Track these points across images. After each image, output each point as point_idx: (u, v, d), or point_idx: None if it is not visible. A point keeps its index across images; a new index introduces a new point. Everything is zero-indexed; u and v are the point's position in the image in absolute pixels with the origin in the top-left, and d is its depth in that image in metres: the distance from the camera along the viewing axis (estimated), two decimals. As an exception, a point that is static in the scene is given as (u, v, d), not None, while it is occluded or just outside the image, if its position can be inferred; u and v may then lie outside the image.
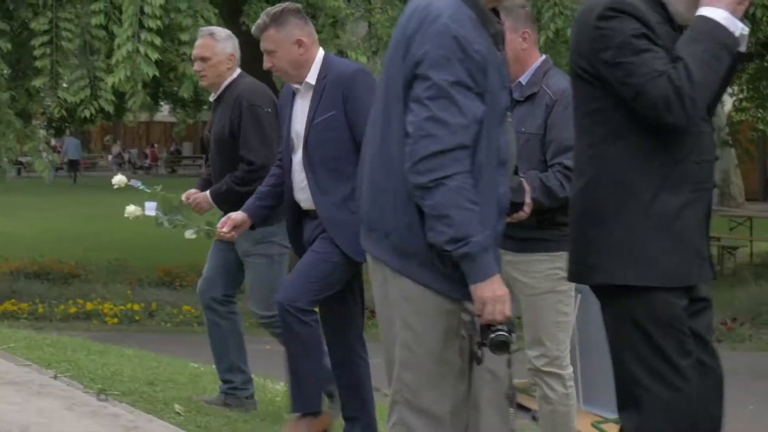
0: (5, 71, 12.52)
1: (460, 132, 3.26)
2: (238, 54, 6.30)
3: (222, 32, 6.38)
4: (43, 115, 20.35)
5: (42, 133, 16.54)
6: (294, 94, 5.43)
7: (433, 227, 3.26)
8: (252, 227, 5.66)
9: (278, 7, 5.45)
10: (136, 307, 14.18)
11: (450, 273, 3.33)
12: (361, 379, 5.47)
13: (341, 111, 5.26)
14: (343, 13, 11.35)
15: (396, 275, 3.44)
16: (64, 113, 13.34)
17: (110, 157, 50.59)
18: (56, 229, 23.68)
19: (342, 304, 5.43)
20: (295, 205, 5.42)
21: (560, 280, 4.95)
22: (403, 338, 3.45)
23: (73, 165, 45.21)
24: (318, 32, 15.65)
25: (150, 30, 10.16)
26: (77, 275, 16.47)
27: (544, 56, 5.26)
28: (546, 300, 5.13)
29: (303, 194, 5.34)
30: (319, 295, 5.26)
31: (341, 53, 12.45)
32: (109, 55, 11.63)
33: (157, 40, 10.24)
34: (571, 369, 5.24)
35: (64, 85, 12.20)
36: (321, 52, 5.43)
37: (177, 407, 6.16)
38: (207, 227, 5.45)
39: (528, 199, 4.52)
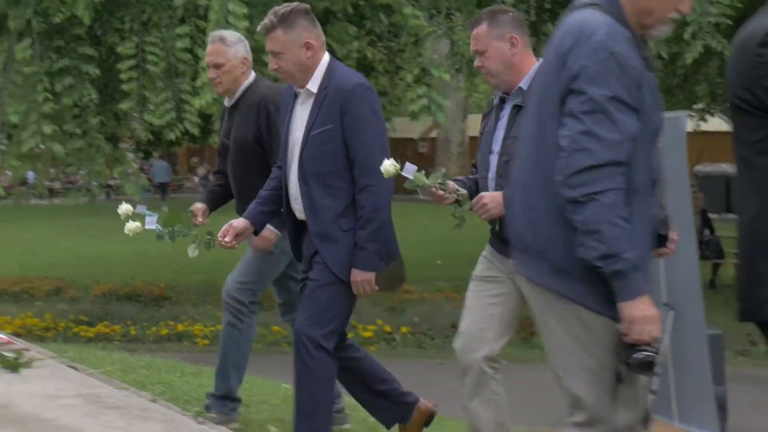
0: (94, 96, 12.69)
1: (614, 148, 3.18)
2: (250, 57, 6.14)
3: (232, 36, 6.21)
4: (131, 139, 20.62)
5: (130, 156, 16.72)
6: (296, 96, 5.26)
7: (584, 243, 3.19)
8: (255, 233, 5.51)
9: (286, 6, 5.20)
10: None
11: (608, 291, 3.25)
12: None
13: (338, 125, 5.09)
14: (426, 31, 11.32)
15: (561, 299, 3.36)
16: (151, 136, 13.47)
17: (196, 178, 51.09)
18: (146, 251, 23.89)
19: None
20: (292, 213, 5.29)
21: None
22: (582, 361, 3.38)
23: (162, 188, 45.80)
24: (401, 51, 15.80)
25: (235, 52, 10.23)
26: (168, 297, 16.63)
27: (541, 59, 5.03)
28: None
29: (297, 204, 5.21)
30: (331, 325, 5.12)
31: (424, 71, 12.46)
32: (194, 78, 11.74)
33: (242, 62, 10.30)
34: None
35: (151, 108, 12.33)
36: (327, 57, 5.20)
37: (272, 429, 6.18)
38: (207, 237, 5.28)
39: (674, 235, 3.93)
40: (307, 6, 5.27)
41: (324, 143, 5.08)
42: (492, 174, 4.94)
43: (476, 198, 4.84)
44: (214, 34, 6.27)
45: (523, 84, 4.85)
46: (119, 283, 17.24)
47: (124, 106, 12.41)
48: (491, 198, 4.78)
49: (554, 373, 3.49)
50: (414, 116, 12.37)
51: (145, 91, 12.09)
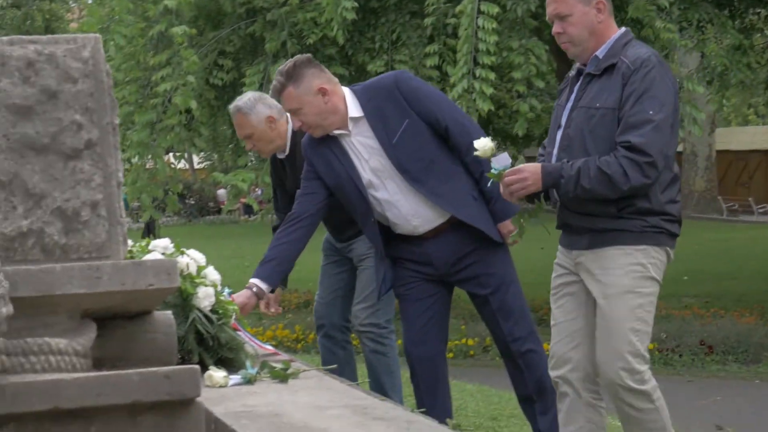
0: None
1: None
2: (276, 108, 5.94)
3: (247, 101, 6.05)
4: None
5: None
6: (331, 140, 5.13)
7: None
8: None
9: (289, 62, 5.15)
10: (470, 341, 14.30)
11: None
12: None
13: (412, 115, 4.99)
14: (678, 45, 11.13)
15: None
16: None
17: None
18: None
19: None
20: (408, 239, 5.14)
21: (642, 279, 4.35)
22: None
23: None
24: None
25: (484, 66, 10.29)
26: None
27: (624, 28, 4.60)
28: (623, 302, 4.36)
29: (418, 219, 5.06)
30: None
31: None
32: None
33: (492, 76, 10.35)
34: (654, 381, 4.45)
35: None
36: (345, 90, 5.11)
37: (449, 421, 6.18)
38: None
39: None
40: (309, 55, 5.26)
41: (411, 140, 5.00)
42: (556, 150, 4.55)
43: (514, 170, 4.37)
44: (231, 107, 6.18)
45: (600, 53, 4.47)
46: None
47: (373, 122, 12.67)
48: (531, 171, 4.38)
49: None
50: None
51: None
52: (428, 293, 5.21)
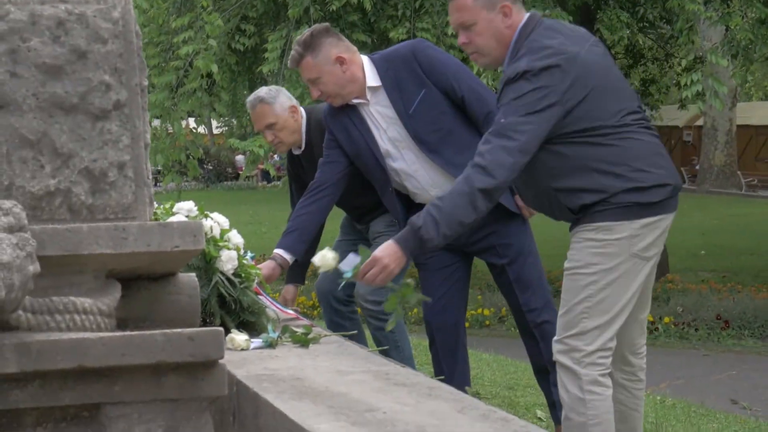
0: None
1: None
2: (293, 100, 5.97)
3: (268, 92, 5.97)
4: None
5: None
6: (351, 109, 5.11)
7: None
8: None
9: (306, 32, 5.12)
10: (486, 312, 14.33)
11: None
12: None
13: (429, 86, 4.94)
14: (703, 17, 11.06)
15: None
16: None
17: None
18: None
19: None
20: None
21: (597, 255, 4.04)
22: None
23: None
24: (672, 37, 15.39)
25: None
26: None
27: (525, 20, 4.15)
28: (574, 278, 4.10)
29: (436, 189, 4.93)
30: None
31: (697, 58, 12.17)
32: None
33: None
34: (598, 372, 4.08)
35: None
36: (364, 58, 5.07)
37: (539, 413, 6.20)
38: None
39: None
40: (326, 24, 5.19)
41: (429, 109, 4.97)
42: None
43: (367, 263, 4.03)
44: (250, 100, 6.06)
45: (507, 58, 4.17)
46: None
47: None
48: (388, 254, 4.04)
49: None
50: (686, 103, 12.11)
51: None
52: (448, 262, 5.21)
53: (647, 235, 4.05)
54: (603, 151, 4.03)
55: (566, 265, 4.14)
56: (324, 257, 4.13)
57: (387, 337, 5.92)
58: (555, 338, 4.16)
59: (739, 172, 37.60)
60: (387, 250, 4.01)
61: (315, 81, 5.07)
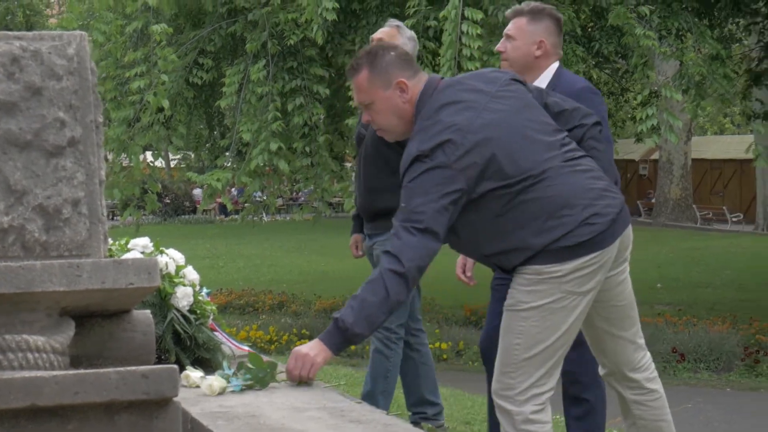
0: (322, 116, 13.00)
1: None
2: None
3: (408, 31, 6.13)
4: (355, 158, 21.08)
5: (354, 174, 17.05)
6: None
7: None
8: None
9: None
10: (444, 345, 14.33)
11: None
12: None
13: None
14: (658, 52, 11.18)
15: None
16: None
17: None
18: (367, 267, 24.26)
19: None
20: None
21: (526, 293, 4.01)
22: None
23: None
24: (627, 72, 15.48)
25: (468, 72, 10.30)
26: (386, 313, 16.82)
27: (424, 85, 4.09)
28: (507, 316, 4.10)
29: None
30: None
31: (653, 93, 12.28)
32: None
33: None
34: (530, 410, 4.02)
35: (373, 127, 12.51)
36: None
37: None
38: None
39: None
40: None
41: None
42: None
43: (291, 359, 3.81)
44: (392, 21, 6.19)
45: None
46: (340, 298, 17.60)
47: (349, 121, 12.61)
48: (310, 347, 3.83)
49: None
50: (642, 137, 12.21)
51: (368, 108, 12.26)
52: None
53: (581, 272, 3.99)
54: (521, 209, 3.96)
55: (505, 303, 4.12)
56: (210, 385, 3.87)
57: (381, 363, 5.96)
58: (493, 377, 4.13)
59: (694, 206, 37.94)
60: (309, 346, 3.81)
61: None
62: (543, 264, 3.96)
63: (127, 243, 3.80)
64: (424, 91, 4.07)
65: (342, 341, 3.84)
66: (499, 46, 5.08)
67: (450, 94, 4.06)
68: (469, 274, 5.52)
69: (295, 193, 38.59)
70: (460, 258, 5.44)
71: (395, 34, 6.01)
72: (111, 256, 3.16)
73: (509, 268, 4.07)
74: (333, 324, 3.83)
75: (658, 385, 4.44)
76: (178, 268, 3.88)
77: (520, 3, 5.33)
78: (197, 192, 43.17)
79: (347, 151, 16.54)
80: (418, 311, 6.37)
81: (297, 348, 3.81)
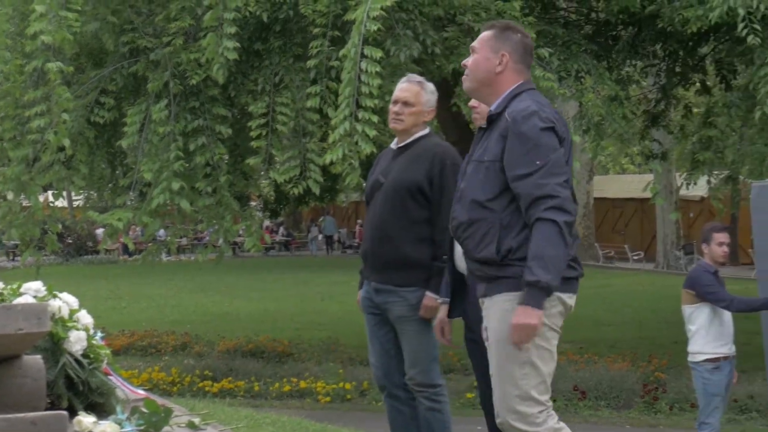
0: (225, 156, 12.94)
1: None
2: (434, 112, 6.16)
3: (430, 85, 6.16)
4: (259, 197, 20.99)
5: (258, 215, 16.98)
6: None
7: None
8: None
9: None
10: (348, 386, 14.30)
11: None
12: None
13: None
14: (557, 93, 11.33)
15: None
16: (273, 194, 13.48)
17: (320, 236, 51.62)
18: (270, 308, 24.20)
19: None
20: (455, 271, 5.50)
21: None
22: None
23: (329, 240, 51.17)
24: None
25: (366, 109, 10.30)
26: (291, 354, 16.79)
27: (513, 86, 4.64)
28: (504, 346, 4.42)
29: (462, 262, 5.09)
30: None
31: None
32: (323, 139, 11.89)
33: (375, 118, 10.35)
34: (552, 423, 4.42)
35: (277, 166, 12.48)
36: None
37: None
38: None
39: None
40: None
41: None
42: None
43: None
44: (413, 77, 6.28)
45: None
46: (244, 339, 17.50)
47: (252, 161, 12.57)
48: None
49: None
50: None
51: (273, 149, 12.25)
52: None
53: None
54: None
55: (492, 336, 4.58)
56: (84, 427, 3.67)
57: (437, 418, 5.99)
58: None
59: (596, 244, 38.42)
60: (528, 314, 4.35)
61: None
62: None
63: (19, 287, 3.73)
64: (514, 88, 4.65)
65: (545, 297, 4.41)
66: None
67: None
68: (448, 337, 5.86)
69: (199, 233, 38.34)
70: (437, 321, 5.82)
71: (419, 90, 6.09)
72: (2, 300, 3.11)
73: (498, 260, 4.56)
74: (531, 288, 4.33)
75: None
76: (72, 312, 3.83)
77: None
78: (100, 232, 42.69)
79: (251, 191, 16.48)
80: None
81: (514, 323, 4.36)
